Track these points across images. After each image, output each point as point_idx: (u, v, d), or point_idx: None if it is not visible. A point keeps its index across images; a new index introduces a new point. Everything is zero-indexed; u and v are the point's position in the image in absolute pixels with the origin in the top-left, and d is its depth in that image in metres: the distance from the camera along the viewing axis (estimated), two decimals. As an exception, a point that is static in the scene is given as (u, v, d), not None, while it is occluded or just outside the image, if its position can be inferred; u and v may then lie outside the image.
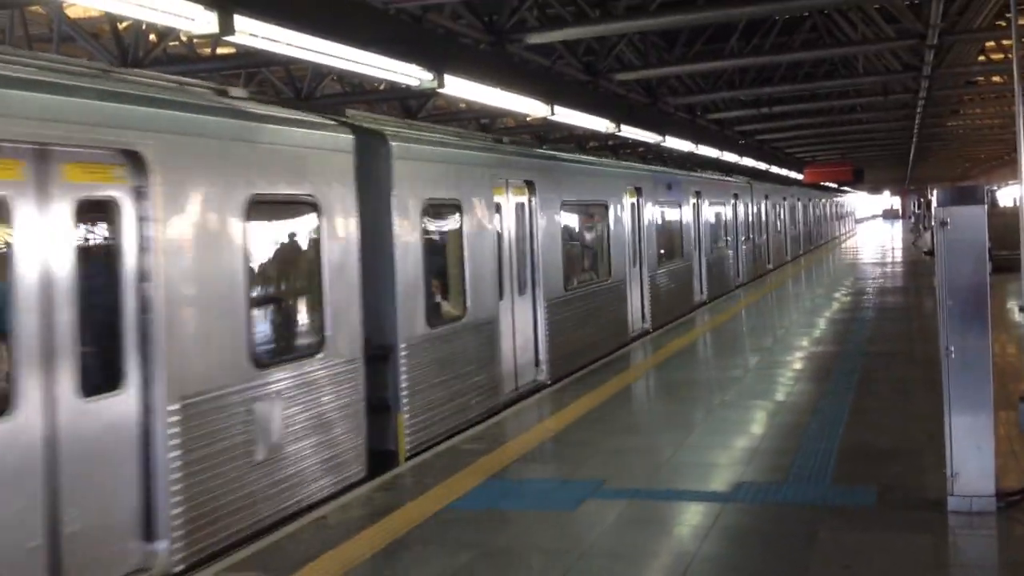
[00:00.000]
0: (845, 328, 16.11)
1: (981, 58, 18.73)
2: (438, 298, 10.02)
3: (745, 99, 20.51)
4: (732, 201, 25.15)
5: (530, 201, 12.23)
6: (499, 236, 11.30)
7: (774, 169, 32.13)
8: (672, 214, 19.32)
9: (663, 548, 6.30)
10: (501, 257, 11.35)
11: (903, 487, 7.13)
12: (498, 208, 11.32)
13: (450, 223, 10.22)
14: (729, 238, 24.58)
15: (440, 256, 10.14)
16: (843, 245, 47.58)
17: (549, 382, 12.17)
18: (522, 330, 11.82)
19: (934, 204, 6.83)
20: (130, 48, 11.47)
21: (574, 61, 13.57)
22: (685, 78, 18.15)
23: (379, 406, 8.59)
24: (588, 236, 15.27)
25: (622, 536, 6.47)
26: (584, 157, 16.43)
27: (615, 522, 6.72)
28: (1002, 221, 22.73)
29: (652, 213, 17.47)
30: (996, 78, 22.09)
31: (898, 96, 20.61)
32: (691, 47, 15.84)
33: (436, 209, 9.85)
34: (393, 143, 9.02)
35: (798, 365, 12.89)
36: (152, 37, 11.80)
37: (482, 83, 9.92)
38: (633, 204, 16.54)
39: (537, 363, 12.17)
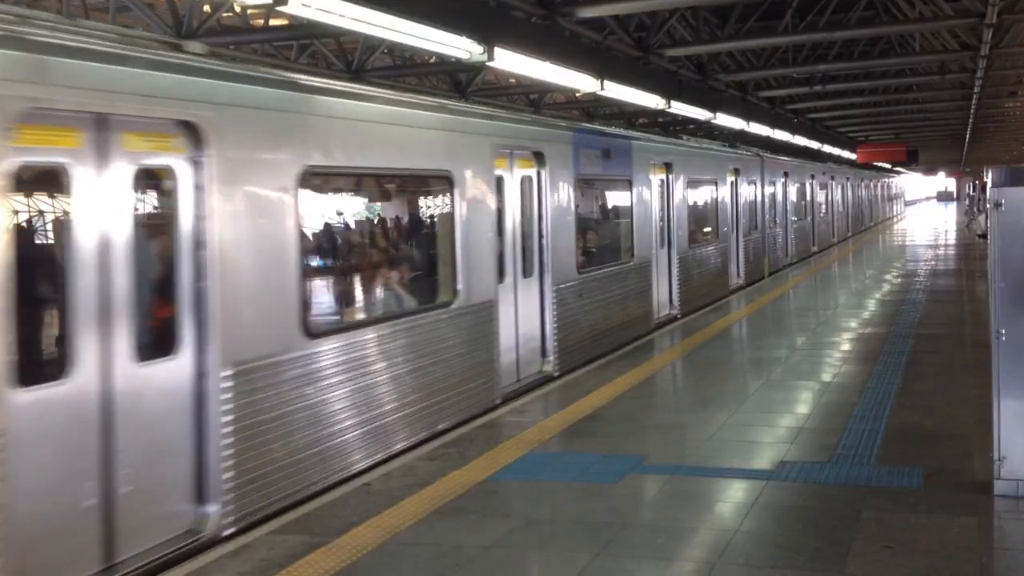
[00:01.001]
0: (895, 311, 15.93)
1: (1042, 38, 18.36)
2: None
3: (798, 76, 20.30)
4: (730, 178, 19.80)
5: (198, 168, 6.07)
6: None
7: (826, 148, 31.71)
8: (616, 194, 14.21)
9: (704, 523, 6.32)
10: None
11: (949, 470, 7.07)
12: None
13: None
14: (724, 227, 19.13)
15: None
16: (889, 231, 45.61)
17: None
18: None
19: (989, 186, 6.75)
20: (184, 18, 11.61)
21: (625, 36, 13.50)
22: (737, 54, 17.99)
23: None
24: (389, 234, 9.51)
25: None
26: (348, 86, 8.45)
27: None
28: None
29: (567, 193, 11.61)
30: (1057, 58, 21.65)
31: (955, 76, 20.27)
32: (744, 23, 15.69)
33: None
34: None
35: (838, 353, 12.79)
36: (206, 8, 11.94)
37: (532, 57, 9.90)
38: (528, 178, 10.92)
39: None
